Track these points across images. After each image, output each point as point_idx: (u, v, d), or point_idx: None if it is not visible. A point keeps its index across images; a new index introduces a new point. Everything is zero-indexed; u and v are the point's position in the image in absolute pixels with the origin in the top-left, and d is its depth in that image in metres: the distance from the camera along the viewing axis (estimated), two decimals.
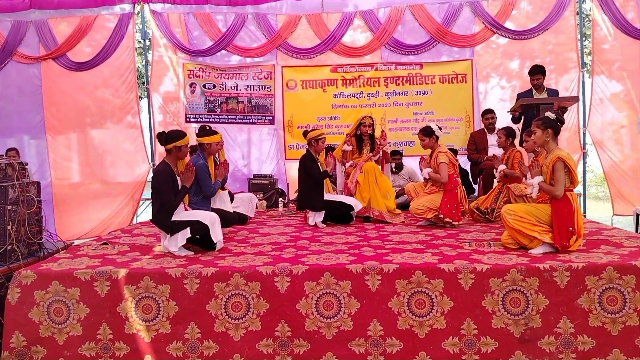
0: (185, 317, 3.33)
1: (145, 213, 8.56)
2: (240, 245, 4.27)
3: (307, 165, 5.32)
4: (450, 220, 4.96)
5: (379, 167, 5.74)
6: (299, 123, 7.65)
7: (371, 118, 5.88)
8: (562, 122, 3.86)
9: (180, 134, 4.05)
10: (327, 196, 5.40)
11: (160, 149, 7.73)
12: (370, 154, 5.84)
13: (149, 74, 7.84)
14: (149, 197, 8.52)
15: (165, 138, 3.98)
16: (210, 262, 3.59)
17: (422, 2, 7.48)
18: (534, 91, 6.45)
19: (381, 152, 5.90)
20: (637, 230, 6.05)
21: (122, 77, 7.64)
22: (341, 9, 7.58)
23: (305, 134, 5.55)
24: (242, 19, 7.66)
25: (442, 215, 4.98)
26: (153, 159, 7.74)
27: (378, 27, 7.50)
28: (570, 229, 3.65)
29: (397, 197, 6.18)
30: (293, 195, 7.29)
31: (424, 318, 3.28)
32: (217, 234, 3.97)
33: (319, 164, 5.39)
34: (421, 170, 5.39)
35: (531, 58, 7.40)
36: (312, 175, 5.29)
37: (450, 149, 5.57)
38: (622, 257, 3.49)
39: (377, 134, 5.98)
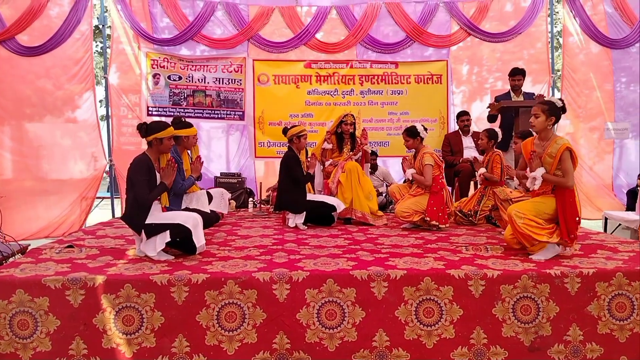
0: (172, 329, 2.98)
1: (101, 212, 8.01)
2: (223, 248, 3.94)
3: (290, 166, 5.03)
4: (437, 223, 4.82)
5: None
6: (270, 119, 7.34)
7: (353, 116, 5.68)
8: (565, 111, 3.76)
9: (162, 125, 3.68)
10: (308, 196, 5.14)
11: (117, 145, 7.24)
12: (351, 152, 5.63)
13: (107, 63, 7.31)
14: (106, 195, 8.02)
15: (146, 129, 3.61)
16: (197, 268, 3.25)
17: (399, 0, 7.36)
18: (512, 93, 6.45)
19: (361, 152, 5.71)
20: (604, 231, 6.19)
21: (77, 65, 7.05)
22: (316, 3, 7.34)
23: (285, 131, 5.25)
24: (211, 7, 7.28)
25: (428, 218, 4.83)
26: (110, 155, 7.21)
27: (354, 24, 7.32)
28: (577, 219, 3.57)
29: None
30: (264, 195, 6.98)
31: (433, 327, 3.08)
32: (199, 237, 3.63)
33: (302, 164, 5.11)
34: (404, 171, 5.22)
35: (480, 65, 7.51)
36: (295, 177, 5.01)
37: None
38: (625, 262, 3.43)
39: (358, 132, 5.78)
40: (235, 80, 7.37)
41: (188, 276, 3.04)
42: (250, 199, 7.02)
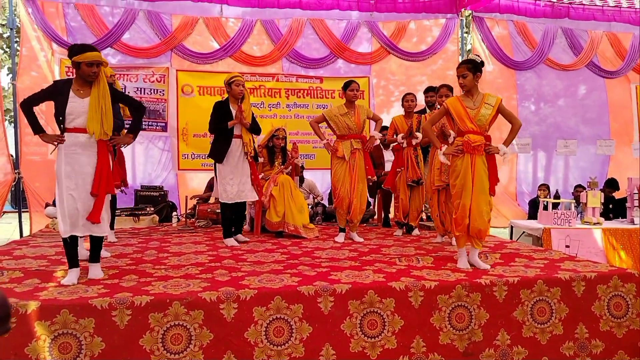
0: (113, 355, 2.85)
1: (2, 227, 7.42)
2: (158, 267, 3.82)
3: (212, 112, 4.88)
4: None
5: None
6: (195, 131, 7.21)
7: (284, 130, 5.74)
8: (484, 65, 4.03)
9: (83, 48, 3.32)
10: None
11: (24, 156, 6.76)
12: (282, 166, 5.68)
13: (16, 68, 6.80)
14: (12, 209, 7.43)
15: (70, 50, 3.35)
16: (138, 289, 3.14)
17: (322, 17, 7.55)
18: (427, 110, 6.83)
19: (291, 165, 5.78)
20: (511, 238, 6.75)
21: None
22: (242, 16, 7.34)
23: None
24: (132, 15, 7.03)
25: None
26: (17, 166, 6.69)
27: (279, 38, 7.40)
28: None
29: None
30: (189, 207, 6.82)
31: (376, 339, 3.20)
32: None
33: (233, 112, 4.84)
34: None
35: (387, 79, 7.86)
36: (210, 123, 4.89)
37: None
38: (542, 270, 3.77)
39: (289, 146, 5.85)
40: (157, 90, 7.17)
41: (130, 299, 2.93)
42: (174, 212, 6.84)
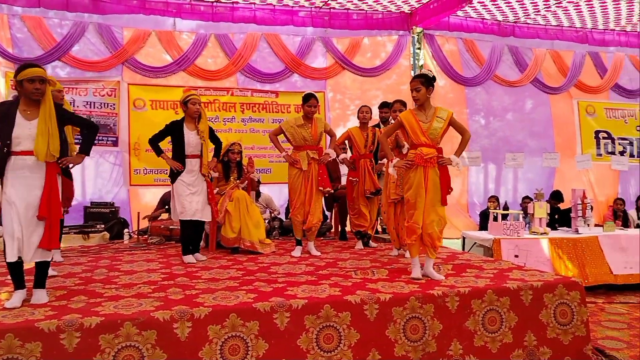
0: None
1: None
2: (109, 287, 3.71)
3: (165, 129, 4.91)
4: None
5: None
6: (147, 146, 6.99)
7: (240, 145, 5.71)
8: (435, 79, 4.11)
9: (25, 65, 3.26)
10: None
11: None
12: (238, 181, 5.64)
13: None
14: None
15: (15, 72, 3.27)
16: (87, 311, 3.03)
17: (277, 32, 7.59)
18: (381, 125, 6.95)
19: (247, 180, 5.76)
20: (463, 249, 6.93)
21: None
22: (196, 29, 7.29)
23: None
24: (81, 27, 6.86)
25: None
26: None
27: (234, 52, 7.39)
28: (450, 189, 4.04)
29: None
30: (143, 225, 6.66)
31: (332, 353, 3.21)
32: None
33: (184, 130, 4.82)
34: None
35: (342, 93, 8.01)
36: (157, 139, 4.92)
37: None
38: (492, 280, 3.88)
39: (245, 160, 5.83)
40: (108, 104, 7.00)
41: (79, 320, 2.83)
42: (126, 229, 6.67)
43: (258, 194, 6.91)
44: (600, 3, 7.36)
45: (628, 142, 9.09)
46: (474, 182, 8.75)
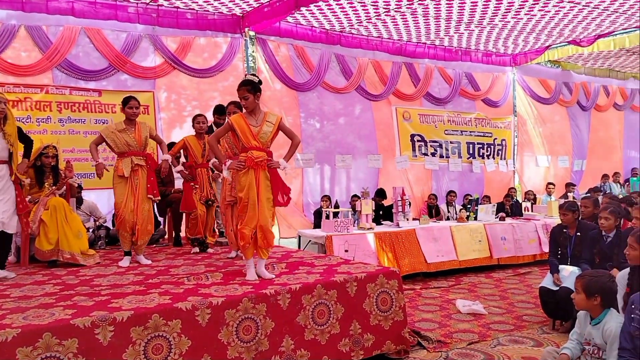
0: None
1: None
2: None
3: None
4: None
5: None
6: None
7: (55, 148, 5.19)
8: (261, 83, 4.20)
9: None
10: None
11: None
12: (54, 187, 5.12)
13: None
14: None
15: None
16: None
17: (99, 27, 7.05)
18: (214, 128, 6.89)
19: (65, 186, 5.26)
20: (299, 247, 7.19)
21: None
22: (6, 20, 6.44)
23: None
24: None
25: None
26: None
27: (49, 46, 6.68)
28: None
29: None
30: None
31: None
32: None
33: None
34: None
35: (178, 93, 7.90)
36: None
37: None
38: (321, 275, 4.08)
39: (61, 165, 5.31)
40: None
41: None
42: None
43: (80, 201, 6.34)
44: (413, 18, 8.17)
45: (438, 144, 10.24)
46: (311, 182, 9.09)
